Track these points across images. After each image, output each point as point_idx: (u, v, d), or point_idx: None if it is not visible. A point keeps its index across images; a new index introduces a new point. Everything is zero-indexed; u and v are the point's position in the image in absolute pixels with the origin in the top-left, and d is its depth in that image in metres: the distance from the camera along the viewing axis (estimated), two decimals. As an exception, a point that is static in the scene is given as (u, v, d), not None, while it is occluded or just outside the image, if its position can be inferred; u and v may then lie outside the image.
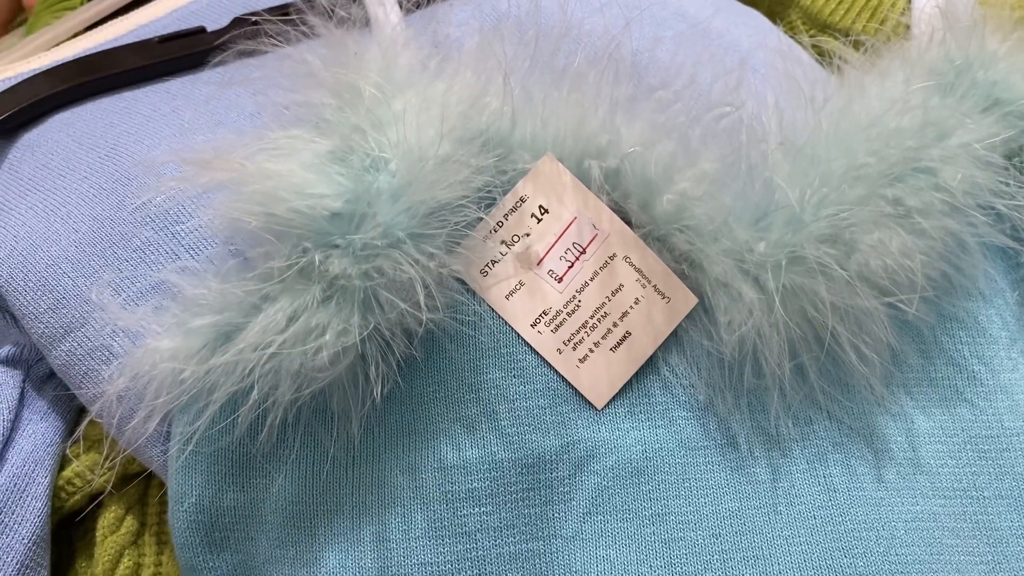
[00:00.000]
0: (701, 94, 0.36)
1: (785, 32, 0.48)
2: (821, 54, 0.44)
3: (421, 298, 0.31)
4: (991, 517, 0.36)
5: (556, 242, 0.35)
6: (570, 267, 0.35)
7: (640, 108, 0.35)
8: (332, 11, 0.37)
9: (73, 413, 0.39)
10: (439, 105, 0.34)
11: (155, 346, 0.32)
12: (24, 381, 0.38)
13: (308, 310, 0.31)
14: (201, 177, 0.32)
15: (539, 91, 0.35)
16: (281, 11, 0.45)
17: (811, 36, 0.49)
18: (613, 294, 0.35)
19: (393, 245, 0.32)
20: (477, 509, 0.34)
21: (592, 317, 0.35)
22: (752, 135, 0.35)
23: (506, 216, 0.35)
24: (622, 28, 0.37)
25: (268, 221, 0.31)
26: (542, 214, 0.35)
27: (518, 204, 0.35)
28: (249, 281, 0.32)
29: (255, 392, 0.31)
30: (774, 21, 0.48)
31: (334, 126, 0.33)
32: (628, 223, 0.36)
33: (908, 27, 0.45)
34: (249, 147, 0.33)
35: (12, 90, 0.43)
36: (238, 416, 0.32)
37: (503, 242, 0.35)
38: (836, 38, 0.48)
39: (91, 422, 0.38)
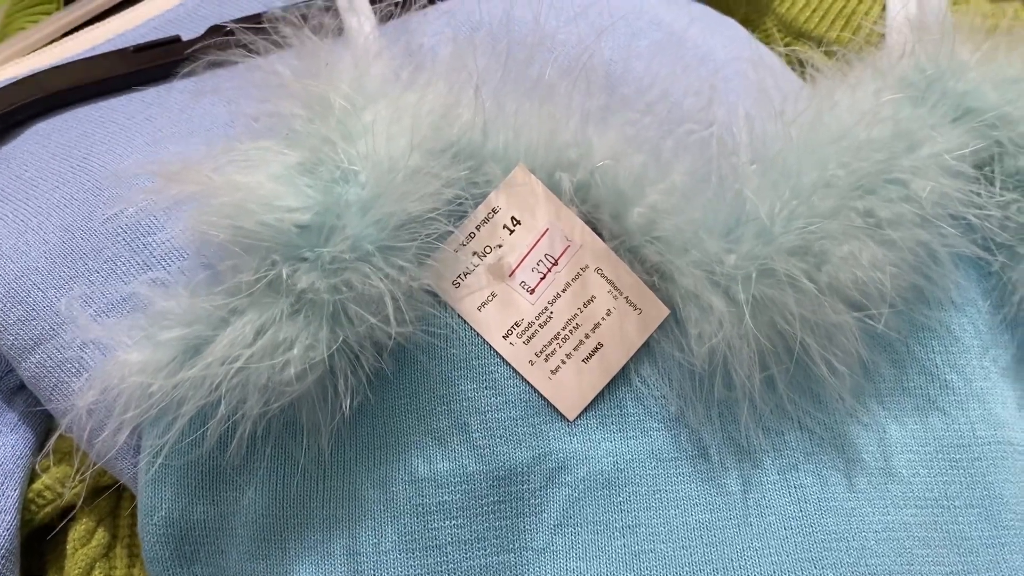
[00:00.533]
0: (673, 106, 0.36)
1: (760, 40, 0.48)
2: (796, 63, 0.45)
3: (391, 312, 0.31)
4: (962, 526, 0.36)
5: (528, 254, 0.35)
6: (542, 279, 0.35)
7: (612, 120, 0.35)
8: (306, 20, 0.37)
9: (43, 425, 0.39)
10: (410, 116, 0.34)
11: (124, 359, 0.32)
12: (-6, 393, 0.37)
13: (276, 324, 0.31)
14: (170, 189, 0.32)
15: (511, 102, 0.35)
16: (256, 21, 0.45)
17: (786, 44, 0.49)
18: (585, 305, 0.35)
19: (362, 258, 0.31)
20: (448, 522, 0.34)
21: (564, 328, 0.35)
22: (723, 147, 0.35)
23: (478, 227, 0.35)
24: (595, 38, 0.37)
25: (236, 234, 0.31)
26: (514, 226, 0.35)
27: (490, 215, 0.35)
28: (217, 294, 0.32)
29: (223, 406, 0.31)
30: (750, 29, 0.49)
31: (303, 137, 0.33)
32: (600, 235, 0.36)
33: (882, 35, 0.45)
34: (218, 158, 0.33)
35: (-14, 100, 0.43)
36: (207, 429, 0.32)
37: (475, 253, 0.35)
38: (811, 46, 0.48)
39: (61, 435, 0.38)
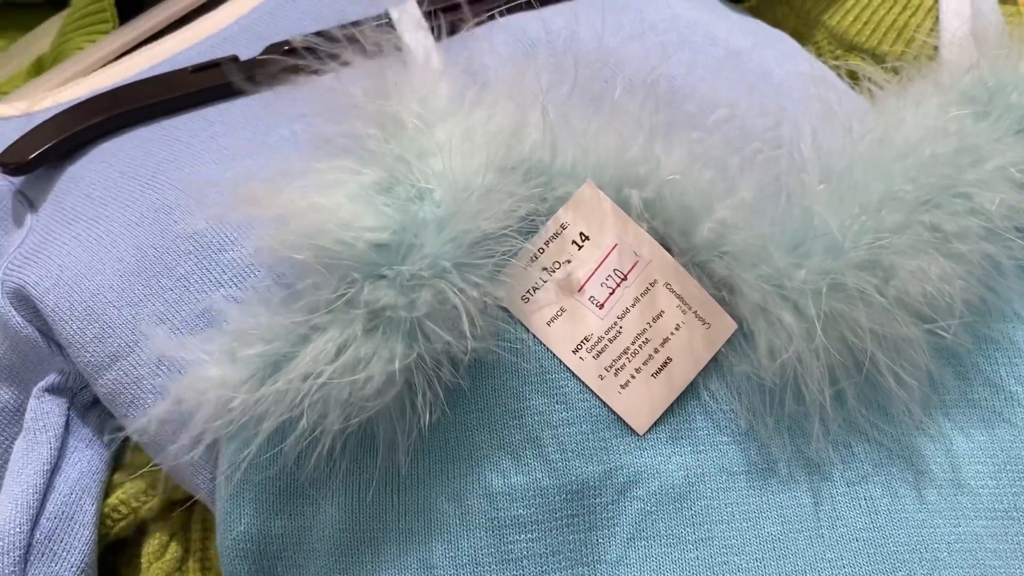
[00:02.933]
0: (739, 123, 0.37)
1: (811, 53, 0.49)
2: (846, 75, 0.45)
3: (466, 328, 0.32)
4: (1032, 538, 0.36)
5: (597, 269, 0.36)
6: (611, 293, 0.36)
7: (679, 136, 0.36)
8: (365, 38, 0.38)
9: (118, 440, 0.39)
10: (481, 134, 0.34)
11: (203, 374, 0.33)
12: (69, 409, 0.38)
13: (356, 340, 0.31)
14: (251, 209, 0.33)
15: (579, 119, 0.35)
16: (314, 38, 0.46)
17: (838, 57, 0.49)
18: (654, 320, 0.36)
19: (439, 275, 0.32)
20: (522, 536, 0.34)
21: (633, 343, 0.36)
22: (791, 163, 0.36)
23: (547, 243, 0.36)
24: (661, 57, 0.37)
25: (317, 253, 0.31)
26: (583, 241, 0.36)
27: (559, 231, 0.36)
28: (298, 312, 0.32)
29: (304, 421, 0.31)
30: (800, 42, 0.49)
31: (378, 157, 0.34)
32: (668, 250, 0.36)
33: (936, 48, 0.45)
34: (296, 179, 0.33)
35: (52, 121, 0.43)
36: (286, 445, 0.32)
37: (544, 269, 0.35)
38: (863, 59, 0.49)
39: (135, 450, 0.39)
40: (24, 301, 0.38)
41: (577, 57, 0.36)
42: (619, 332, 0.36)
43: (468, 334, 0.32)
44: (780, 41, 0.47)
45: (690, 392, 0.36)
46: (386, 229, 0.32)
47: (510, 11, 0.45)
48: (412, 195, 0.33)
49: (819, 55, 0.49)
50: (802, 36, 0.50)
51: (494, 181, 0.33)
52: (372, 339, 0.31)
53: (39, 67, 0.56)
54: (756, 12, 0.51)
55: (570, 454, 0.35)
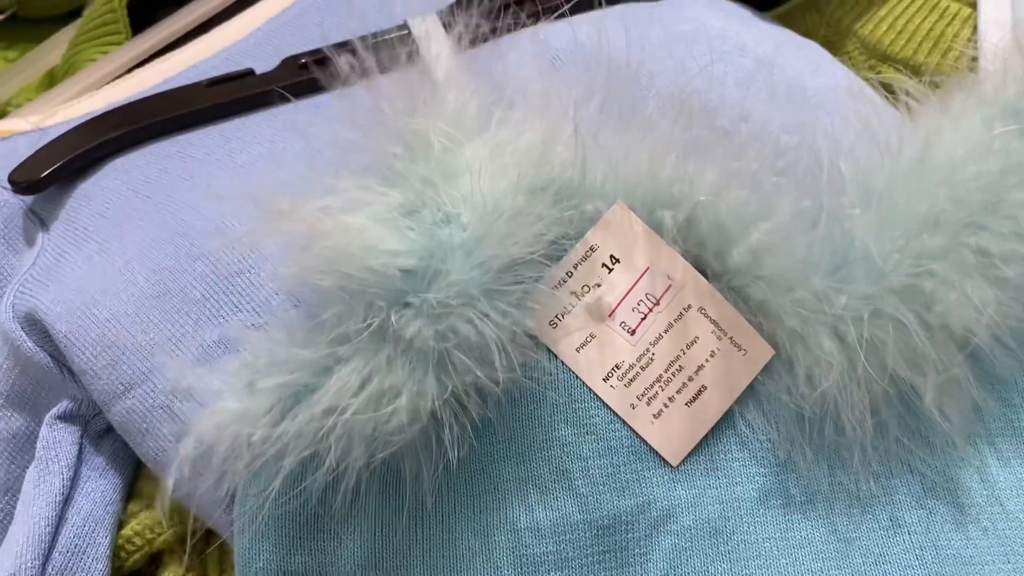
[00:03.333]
0: (773, 138, 0.35)
1: (842, 63, 0.47)
2: (880, 87, 0.43)
3: (497, 358, 0.30)
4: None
5: (628, 293, 0.34)
6: (643, 319, 0.34)
7: (712, 154, 0.34)
8: (383, 50, 0.36)
9: (131, 469, 0.38)
10: (509, 154, 0.33)
11: (221, 407, 0.31)
12: (82, 437, 0.37)
13: (381, 372, 0.30)
14: (271, 230, 0.31)
15: (609, 136, 0.34)
16: (330, 52, 0.45)
17: (871, 68, 0.48)
18: (688, 347, 0.34)
19: (467, 303, 0.31)
20: (551, 574, 0.33)
21: (666, 371, 0.34)
22: (828, 183, 0.34)
23: (575, 266, 0.34)
24: (692, 70, 0.36)
25: (341, 280, 0.30)
26: (613, 264, 0.34)
27: (588, 254, 0.34)
28: (321, 341, 0.31)
29: (327, 457, 0.30)
30: (831, 52, 0.47)
31: (403, 177, 0.32)
32: (702, 273, 0.34)
33: (975, 59, 0.44)
34: (317, 197, 0.32)
35: (64, 138, 0.42)
36: (308, 480, 0.31)
37: (573, 293, 0.34)
38: (898, 70, 0.47)
39: (149, 478, 0.38)
40: (36, 326, 0.37)
41: (608, 71, 0.34)
42: (651, 359, 0.34)
43: (498, 365, 0.30)
44: (812, 51, 0.45)
45: (725, 421, 0.35)
46: (413, 254, 0.30)
47: (534, 21, 0.43)
48: (439, 219, 0.32)
49: (851, 65, 0.48)
50: (833, 46, 0.49)
51: (523, 203, 0.32)
52: (398, 371, 0.30)
53: (51, 79, 0.55)
54: (784, 20, 0.50)
55: (600, 487, 0.33)
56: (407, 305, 0.31)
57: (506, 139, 0.34)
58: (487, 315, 0.31)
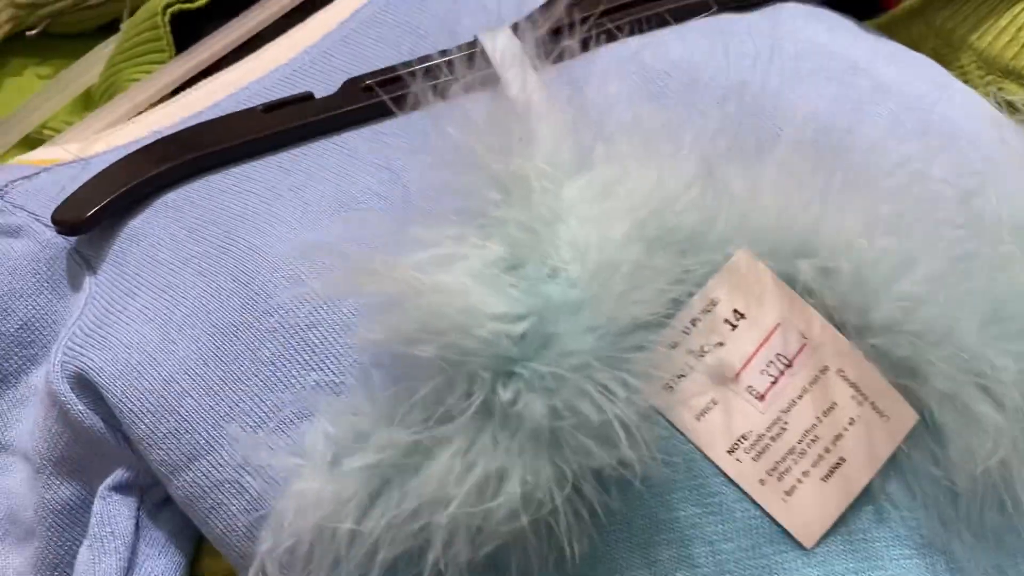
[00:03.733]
0: (919, 176, 0.31)
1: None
2: (1003, 105, 0.39)
3: (621, 438, 0.26)
4: None
5: (756, 353, 0.30)
6: (774, 383, 0.30)
7: (852, 196, 0.30)
8: (458, 71, 0.32)
9: (192, 545, 0.34)
10: (620, 197, 0.29)
11: (300, 490, 0.28)
12: (139, 509, 0.33)
13: (488, 455, 0.26)
14: (356, 287, 0.28)
15: (737, 177, 0.30)
16: (394, 72, 0.41)
17: (988, 84, 0.43)
18: (825, 414, 0.30)
19: (584, 374, 0.27)
20: (677, 673, 0.29)
21: (800, 442, 0.30)
22: (984, 227, 0.30)
23: (693, 322, 0.30)
24: (821, 98, 0.32)
25: (441, 348, 0.26)
26: (737, 320, 0.30)
27: (708, 308, 0.30)
28: (414, 418, 0.27)
29: (427, 553, 0.26)
30: (942, 66, 0.43)
31: (502, 226, 0.28)
32: (840, 330, 0.30)
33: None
34: (403, 250, 0.28)
35: (108, 172, 0.38)
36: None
37: (691, 352, 0.30)
38: (1022, 86, 0.43)
39: (212, 554, 0.34)
40: (87, 387, 0.33)
41: (738, 99, 0.30)
42: (784, 428, 0.30)
43: (625, 447, 0.26)
44: (929, 68, 0.41)
45: (864, 496, 0.30)
46: (521, 318, 0.27)
47: (609, 38, 0.39)
48: (544, 274, 0.28)
49: (966, 82, 0.43)
50: (944, 59, 0.44)
51: (642, 255, 0.28)
52: (507, 453, 0.26)
53: (88, 100, 0.52)
54: (888, 31, 0.45)
55: (727, 574, 0.29)
56: (511, 375, 0.27)
57: (613, 178, 0.30)
58: (606, 387, 0.27)
